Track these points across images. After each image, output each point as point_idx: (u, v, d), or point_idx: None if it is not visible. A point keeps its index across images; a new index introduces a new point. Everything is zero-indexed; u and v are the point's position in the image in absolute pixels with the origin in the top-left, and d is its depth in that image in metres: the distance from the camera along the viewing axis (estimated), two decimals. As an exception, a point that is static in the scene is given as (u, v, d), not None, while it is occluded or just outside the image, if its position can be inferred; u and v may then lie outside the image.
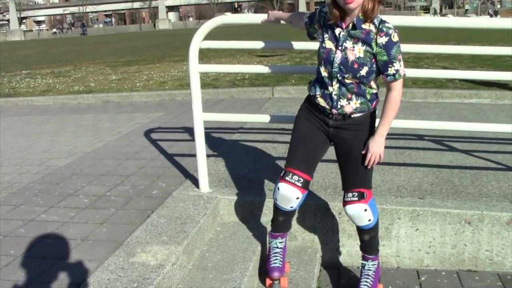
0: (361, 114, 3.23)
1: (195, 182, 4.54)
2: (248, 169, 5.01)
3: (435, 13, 75.75)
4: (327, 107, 3.23)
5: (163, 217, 3.88)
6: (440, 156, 5.45)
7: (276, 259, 3.58)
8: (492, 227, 4.01)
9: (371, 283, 3.56)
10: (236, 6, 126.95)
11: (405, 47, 3.65)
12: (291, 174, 3.37)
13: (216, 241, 3.93)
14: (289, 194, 3.37)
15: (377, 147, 3.23)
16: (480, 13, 71.47)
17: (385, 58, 3.00)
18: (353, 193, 3.33)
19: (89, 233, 3.69)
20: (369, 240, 3.54)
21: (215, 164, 5.21)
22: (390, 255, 4.19)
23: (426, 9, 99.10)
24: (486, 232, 4.03)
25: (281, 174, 3.43)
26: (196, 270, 3.48)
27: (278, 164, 5.16)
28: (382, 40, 2.98)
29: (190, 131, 4.37)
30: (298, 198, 3.38)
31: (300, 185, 3.35)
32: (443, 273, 4.12)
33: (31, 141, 6.88)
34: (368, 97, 3.19)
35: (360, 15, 3.00)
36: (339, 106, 3.19)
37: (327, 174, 4.78)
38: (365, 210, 3.34)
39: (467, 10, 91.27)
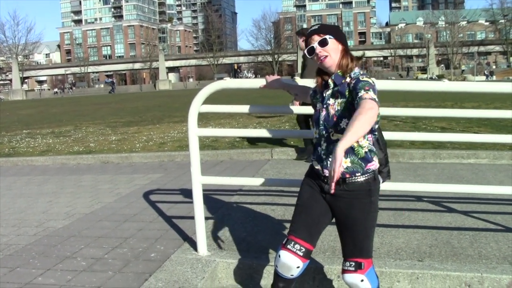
0: (356, 179, 3.14)
1: (194, 245, 4.53)
2: (246, 232, 5.00)
3: (431, 77, 76.53)
4: (320, 168, 3.23)
5: (160, 280, 3.86)
6: (438, 217, 5.45)
7: None
8: (492, 290, 3.99)
9: None
10: (236, 67, 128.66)
11: (404, 111, 3.73)
12: (293, 243, 3.35)
13: (215, 304, 3.90)
14: (290, 263, 3.34)
15: (332, 163, 2.84)
16: (476, 74, 72.31)
17: (354, 96, 3.00)
18: (351, 263, 3.27)
19: (87, 298, 3.67)
20: None
21: (214, 226, 5.20)
22: (390, 318, 4.15)
23: (423, 70, 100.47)
24: (487, 295, 4.01)
25: (283, 242, 3.40)
26: (195, 334, 3.45)
27: (277, 227, 5.16)
28: (352, 83, 3.03)
29: (189, 193, 4.39)
30: (298, 267, 3.35)
31: (301, 254, 3.32)
32: (444, 337, 4.08)
33: (29, 201, 6.88)
34: (359, 155, 3.12)
35: (338, 71, 3.12)
36: (328, 166, 3.11)
37: (325, 237, 4.76)
38: (362, 280, 3.25)
39: (463, 71, 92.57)
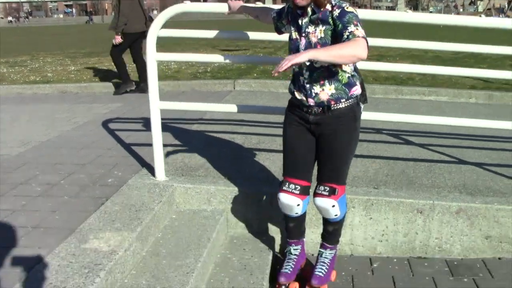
0: (341, 105, 3.15)
1: (151, 170, 4.51)
2: (206, 159, 4.99)
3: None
4: (304, 98, 3.21)
5: (117, 204, 3.84)
6: (396, 149, 5.52)
7: (288, 265, 3.66)
8: (442, 216, 4.09)
9: (326, 271, 3.58)
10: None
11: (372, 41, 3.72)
12: (287, 183, 3.42)
13: (171, 228, 3.91)
14: (290, 203, 3.42)
15: (293, 55, 2.88)
16: (443, 15, 72.25)
17: (340, 27, 2.93)
18: (325, 187, 3.32)
19: (41, 221, 3.62)
20: (332, 231, 3.58)
21: (173, 153, 5.19)
22: (344, 243, 4.22)
23: (392, 9, 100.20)
24: (437, 221, 4.11)
25: (280, 184, 3.48)
26: (150, 256, 3.46)
27: (236, 154, 5.17)
28: (336, 12, 2.96)
29: (148, 121, 4.33)
30: (299, 205, 3.42)
31: (298, 192, 3.39)
32: (395, 260, 4.19)
33: (-18, 130, 6.73)
34: (343, 80, 3.11)
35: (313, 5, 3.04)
36: (313, 94, 3.15)
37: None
38: (333, 206, 3.33)
39: (431, 12, 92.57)
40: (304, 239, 3.79)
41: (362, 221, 4.17)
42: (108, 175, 4.59)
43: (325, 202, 3.32)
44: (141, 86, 9.18)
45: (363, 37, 2.85)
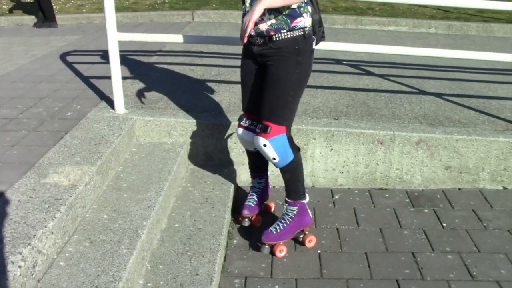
0: (282, 36, 2.99)
1: (111, 103, 4.45)
2: (165, 91, 4.94)
3: None
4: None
5: (76, 138, 3.79)
6: (357, 79, 5.53)
7: (251, 199, 3.66)
8: (403, 147, 4.14)
9: (281, 228, 3.38)
10: None
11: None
12: (244, 119, 3.40)
13: (132, 161, 3.89)
14: (246, 137, 3.40)
15: (248, 15, 2.87)
16: None
17: None
18: (260, 125, 3.16)
19: (-1, 156, 3.58)
20: (287, 180, 3.34)
21: (132, 86, 5.12)
22: (306, 175, 4.24)
23: None
24: (397, 152, 4.15)
25: (238, 119, 3.45)
26: (111, 190, 3.45)
27: (196, 86, 5.13)
28: None
29: (107, 53, 4.25)
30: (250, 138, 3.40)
31: (253, 127, 3.34)
32: (356, 191, 4.25)
33: None
34: (284, 11, 2.94)
35: None
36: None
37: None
38: (264, 145, 3.13)
39: None
40: (268, 173, 3.75)
41: (323, 152, 4.19)
42: (67, 108, 4.51)
43: (258, 140, 3.16)
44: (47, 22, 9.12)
45: None
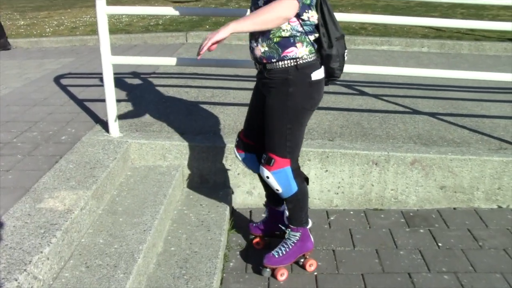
0: (273, 65, 2.93)
1: (105, 127, 4.46)
2: (159, 113, 4.95)
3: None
4: (250, 53, 3.08)
5: (71, 162, 3.79)
6: (351, 100, 5.55)
7: (259, 221, 3.77)
8: (397, 168, 4.15)
9: (283, 253, 3.36)
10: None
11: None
12: (237, 138, 3.45)
13: (127, 185, 3.89)
14: (237, 155, 3.47)
15: (213, 33, 2.76)
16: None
17: None
18: (264, 155, 3.14)
19: (-6, 181, 3.57)
20: (290, 209, 3.31)
21: (126, 109, 5.13)
22: (301, 196, 4.26)
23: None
24: (392, 172, 4.16)
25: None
26: (106, 214, 3.45)
27: (190, 108, 5.13)
28: None
29: (101, 76, 4.27)
30: (240, 158, 3.44)
31: (241, 148, 3.41)
32: (351, 212, 4.25)
33: None
34: (275, 39, 2.87)
35: None
36: (251, 49, 3.00)
37: (238, 118, 4.79)
38: (267, 177, 3.11)
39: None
40: (277, 208, 3.61)
41: (318, 173, 4.20)
42: (61, 132, 4.52)
43: (262, 171, 3.14)
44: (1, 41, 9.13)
45: None
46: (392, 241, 3.82)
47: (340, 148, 4.19)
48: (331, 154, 4.15)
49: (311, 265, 3.48)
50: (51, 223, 2.91)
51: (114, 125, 4.33)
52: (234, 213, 4.26)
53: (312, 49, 2.90)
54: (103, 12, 4.06)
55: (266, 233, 3.69)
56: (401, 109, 5.28)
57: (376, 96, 5.71)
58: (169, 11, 4.18)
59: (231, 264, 3.57)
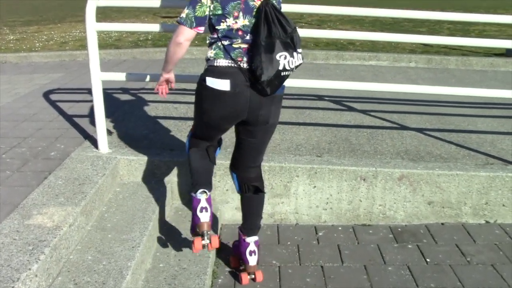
0: None
1: (94, 143, 4.46)
2: (148, 129, 4.96)
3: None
4: None
5: (60, 178, 3.79)
6: (339, 116, 5.58)
7: None
8: (385, 183, 4.17)
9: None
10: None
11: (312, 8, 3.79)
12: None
13: (116, 201, 3.89)
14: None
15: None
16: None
17: None
18: None
19: (-17, 197, 3.57)
20: None
21: (115, 124, 5.14)
22: (289, 212, 4.28)
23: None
24: (380, 188, 4.19)
25: None
26: (95, 230, 3.44)
27: (179, 124, 5.15)
28: None
29: (91, 91, 4.28)
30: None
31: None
32: (340, 228, 4.26)
33: None
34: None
35: None
36: None
37: (227, 134, 4.78)
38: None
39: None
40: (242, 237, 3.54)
41: (306, 189, 4.22)
42: (50, 148, 4.52)
43: None
44: None
45: (177, 21, 2.99)
46: (381, 257, 3.83)
47: (328, 164, 4.21)
48: (319, 170, 4.17)
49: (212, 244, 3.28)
50: (40, 240, 2.90)
51: (103, 141, 4.34)
52: (222, 229, 4.27)
53: (220, 53, 3.02)
54: (92, 28, 4.08)
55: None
56: (388, 124, 5.31)
57: (364, 111, 5.75)
58: (158, 28, 4.21)
59: (220, 280, 3.57)
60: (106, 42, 10.64)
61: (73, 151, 4.38)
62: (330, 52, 9.34)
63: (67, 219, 3.15)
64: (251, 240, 3.41)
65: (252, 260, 3.40)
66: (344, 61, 9.21)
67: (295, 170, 4.16)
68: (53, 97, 6.50)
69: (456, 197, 4.24)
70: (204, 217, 3.27)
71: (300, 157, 4.34)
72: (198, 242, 3.19)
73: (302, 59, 3.02)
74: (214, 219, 4.03)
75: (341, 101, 6.12)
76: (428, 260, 3.80)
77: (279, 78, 2.93)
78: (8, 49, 10.53)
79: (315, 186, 4.21)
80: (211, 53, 3.04)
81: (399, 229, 4.24)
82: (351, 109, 5.86)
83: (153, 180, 4.23)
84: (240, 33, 2.97)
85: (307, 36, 4.26)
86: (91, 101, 4.34)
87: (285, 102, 5.86)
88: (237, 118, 3.09)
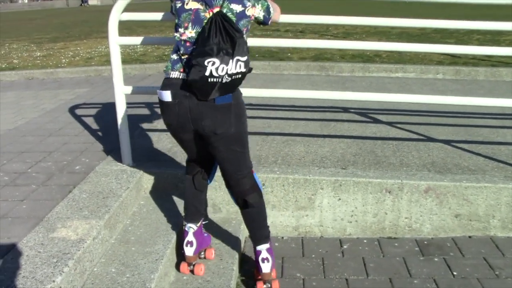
0: None
1: (119, 157, 4.48)
2: (172, 143, 4.96)
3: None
4: None
5: (85, 192, 3.81)
6: (364, 128, 5.54)
7: None
8: (411, 195, 4.11)
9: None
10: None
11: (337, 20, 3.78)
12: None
13: (140, 214, 3.89)
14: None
15: None
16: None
17: None
18: None
19: (8, 211, 3.58)
20: None
21: (139, 138, 5.16)
22: (314, 224, 4.24)
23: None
24: (406, 200, 4.13)
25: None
26: (119, 243, 3.44)
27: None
28: None
29: (115, 106, 4.30)
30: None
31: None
32: (365, 241, 4.21)
33: (-51, 119, 6.63)
34: None
35: None
36: None
37: (251, 146, 4.79)
38: None
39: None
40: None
41: (331, 202, 4.18)
42: (75, 162, 4.55)
43: None
44: None
45: None
46: (406, 270, 3.77)
47: (353, 176, 4.17)
48: (344, 182, 4.13)
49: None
50: (64, 252, 2.91)
51: (127, 155, 4.36)
52: (247, 241, 4.24)
53: (169, 65, 3.07)
54: (115, 42, 4.11)
55: None
56: (415, 136, 5.25)
57: (390, 123, 5.70)
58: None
59: (244, 293, 3.55)
60: (132, 57, 10.74)
61: (98, 165, 4.40)
62: (356, 64, 9.30)
63: (91, 232, 3.16)
64: (262, 248, 3.36)
65: (266, 267, 3.34)
66: (370, 73, 9.16)
67: (319, 182, 4.13)
68: (79, 111, 6.56)
69: (484, 210, 4.17)
70: (189, 251, 3.41)
71: (325, 170, 4.30)
72: (184, 267, 3.47)
73: (246, 67, 2.93)
74: (239, 232, 4.01)
75: (367, 113, 6.08)
76: (455, 273, 3.73)
77: (206, 84, 2.87)
78: (35, 65, 10.67)
79: (340, 199, 4.17)
80: (166, 65, 3.10)
81: (425, 242, 4.17)
82: (376, 121, 5.82)
83: (177, 193, 4.22)
84: (187, 44, 2.98)
85: (331, 47, 4.24)
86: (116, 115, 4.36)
87: (309, 115, 5.88)
88: (185, 129, 3.07)
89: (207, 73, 2.83)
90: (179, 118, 3.01)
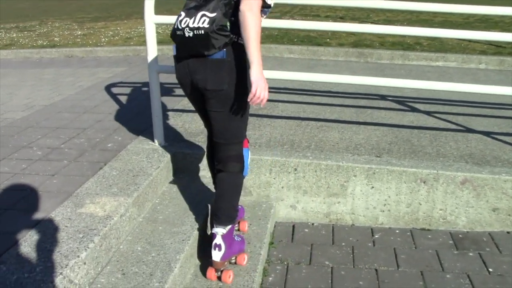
0: None
1: (151, 136, 4.46)
2: (205, 124, 4.93)
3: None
4: None
5: (115, 169, 3.79)
6: (401, 116, 5.43)
7: None
8: (447, 187, 4.00)
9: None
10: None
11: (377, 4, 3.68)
12: None
13: (169, 194, 3.86)
14: None
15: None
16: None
17: None
18: None
19: (39, 185, 3.58)
20: None
21: (173, 118, 5.14)
22: (345, 212, 4.16)
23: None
24: (441, 192, 4.02)
25: None
26: (146, 222, 3.42)
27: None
28: None
29: (150, 85, 4.29)
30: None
31: None
32: (397, 231, 4.12)
33: (-12, 93, 6.71)
34: None
35: None
36: None
37: (285, 130, 4.73)
38: None
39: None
40: None
41: (364, 190, 4.10)
42: (108, 139, 4.54)
43: None
44: None
45: None
46: (439, 263, 3.68)
47: (387, 164, 4.08)
48: (378, 171, 4.04)
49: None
50: (90, 228, 2.90)
51: (159, 134, 4.33)
52: (276, 226, 4.19)
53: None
54: (150, 21, 4.07)
55: None
56: (453, 126, 5.12)
57: (427, 112, 5.57)
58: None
59: (270, 278, 3.49)
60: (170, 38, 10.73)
61: (130, 143, 4.39)
62: (396, 52, 9.14)
63: (118, 209, 3.14)
64: (217, 231, 3.09)
65: (215, 255, 3.08)
66: (410, 61, 9.00)
67: (352, 169, 4.05)
68: (115, 90, 6.57)
69: (523, 204, 4.05)
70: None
71: (359, 157, 4.21)
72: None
73: (210, 24, 2.75)
74: (269, 216, 3.96)
75: (404, 102, 5.96)
76: (490, 269, 3.61)
77: (175, 36, 2.88)
78: (75, 43, 10.74)
79: (373, 187, 4.08)
80: None
81: (460, 236, 4.06)
82: (414, 109, 5.69)
83: (208, 175, 4.18)
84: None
85: (372, 32, 4.13)
86: (150, 94, 4.34)
87: (345, 101, 5.78)
88: (185, 84, 3.02)
89: (174, 26, 2.88)
90: (181, 71, 2.99)
